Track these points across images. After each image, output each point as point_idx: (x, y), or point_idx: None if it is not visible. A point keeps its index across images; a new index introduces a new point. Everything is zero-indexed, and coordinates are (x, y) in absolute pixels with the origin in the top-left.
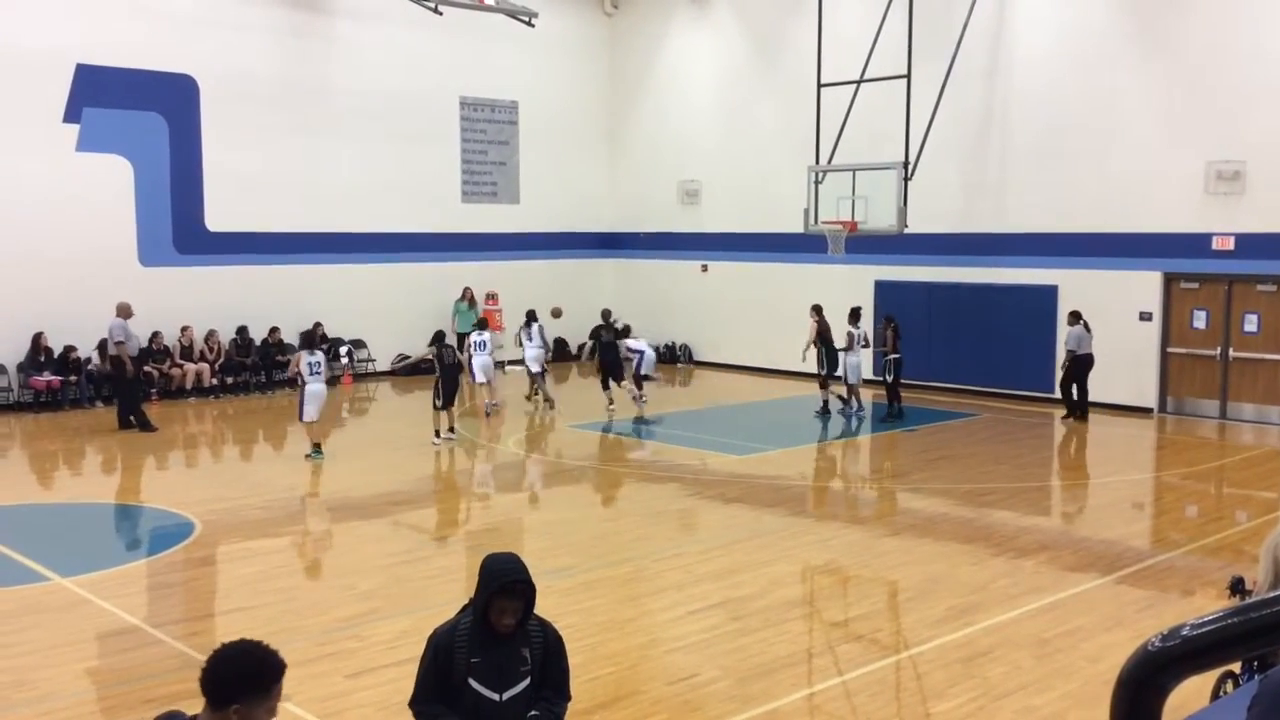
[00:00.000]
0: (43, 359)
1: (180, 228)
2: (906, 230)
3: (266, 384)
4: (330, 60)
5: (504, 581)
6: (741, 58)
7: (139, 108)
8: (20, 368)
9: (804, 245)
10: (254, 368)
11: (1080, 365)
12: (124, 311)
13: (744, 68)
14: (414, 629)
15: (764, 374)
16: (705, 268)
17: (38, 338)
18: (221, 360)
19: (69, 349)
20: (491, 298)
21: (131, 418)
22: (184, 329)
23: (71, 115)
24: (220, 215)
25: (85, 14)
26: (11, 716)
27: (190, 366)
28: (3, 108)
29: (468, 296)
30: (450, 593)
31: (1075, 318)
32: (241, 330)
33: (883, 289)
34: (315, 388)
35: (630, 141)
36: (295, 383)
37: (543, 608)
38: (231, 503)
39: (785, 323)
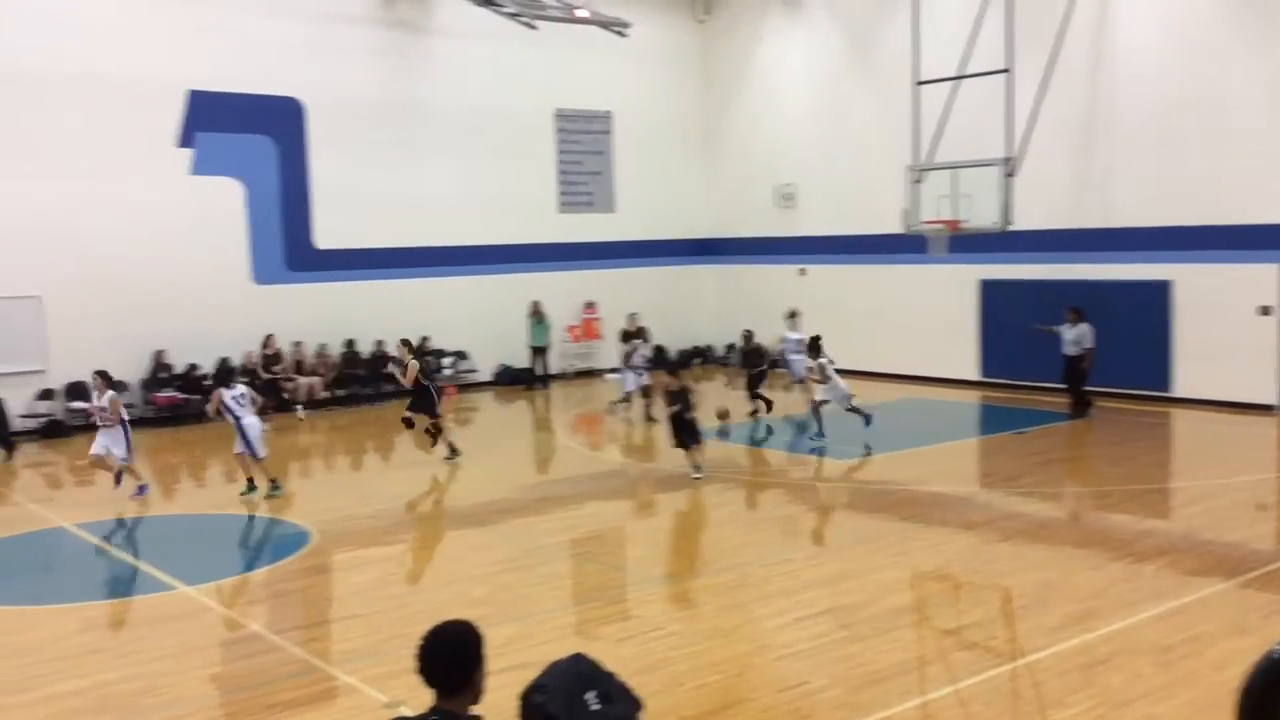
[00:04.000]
0: (164, 376)
1: (291, 246)
2: (1010, 228)
3: (375, 396)
4: (429, 79)
5: None
6: (836, 58)
7: (249, 131)
8: (143, 384)
9: (904, 246)
10: (363, 380)
11: (1076, 363)
12: None
13: (839, 68)
14: (522, 635)
15: (865, 378)
16: (803, 271)
17: (159, 355)
18: (333, 374)
19: (190, 366)
20: (590, 306)
21: None
22: (296, 344)
23: (185, 140)
24: (328, 233)
25: (196, 43)
26: (150, 716)
27: (303, 380)
28: (121, 134)
29: (536, 311)
30: (556, 599)
31: (1079, 316)
32: (350, 344)
33: (989, 289)
34: (250, 420)
35: (725, 147)
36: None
37: (646, 615)
38: (344, 512)
39: (886, 326)
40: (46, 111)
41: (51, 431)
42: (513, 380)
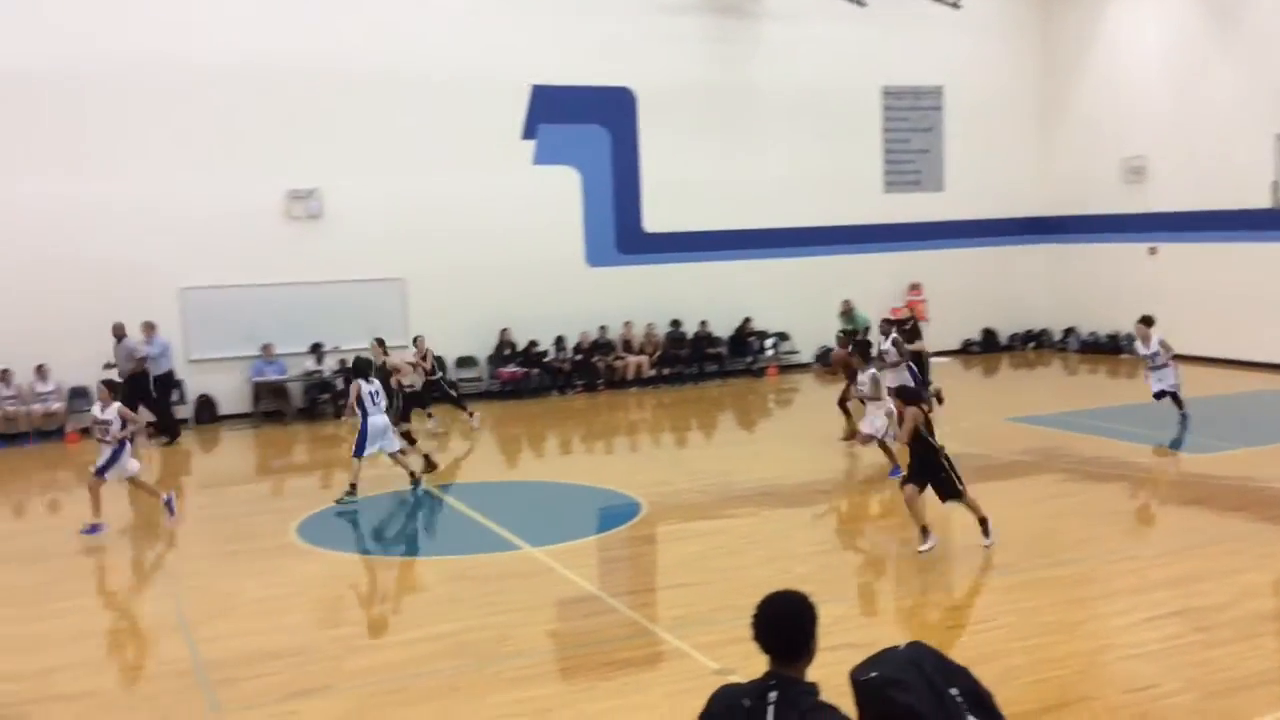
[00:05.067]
0: (508, 352)
1: (621, 230)
2: None
3: (699, 375)
4: (756, 62)
5: None
6: (1194, 20)
7: (585, 121)
8: (489, 360)
9: (1272, 222)
10: (688, 359)
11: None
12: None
13: (1197, 31)
14: (847, 615)
15: (1223, 365)
16: (1154, 250)
17: (504, 333)
18: (659, 353)
19: (531, 343)
20: (914, 288)
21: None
22: (626, 324)
23: (529, 132)
24: (656, 217)
25: (540, 39)
26: (496, 667)
27: (631, 359)
28: (474, 130)
29: (847, 310)
30: (882, 582)
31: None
32: (675, 324)
33: None
34: (376, 419)
35: (1064, 119)
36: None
37: (978, 605)
38: (671, 486)
39: (1253, 310)
40: (411, 112)
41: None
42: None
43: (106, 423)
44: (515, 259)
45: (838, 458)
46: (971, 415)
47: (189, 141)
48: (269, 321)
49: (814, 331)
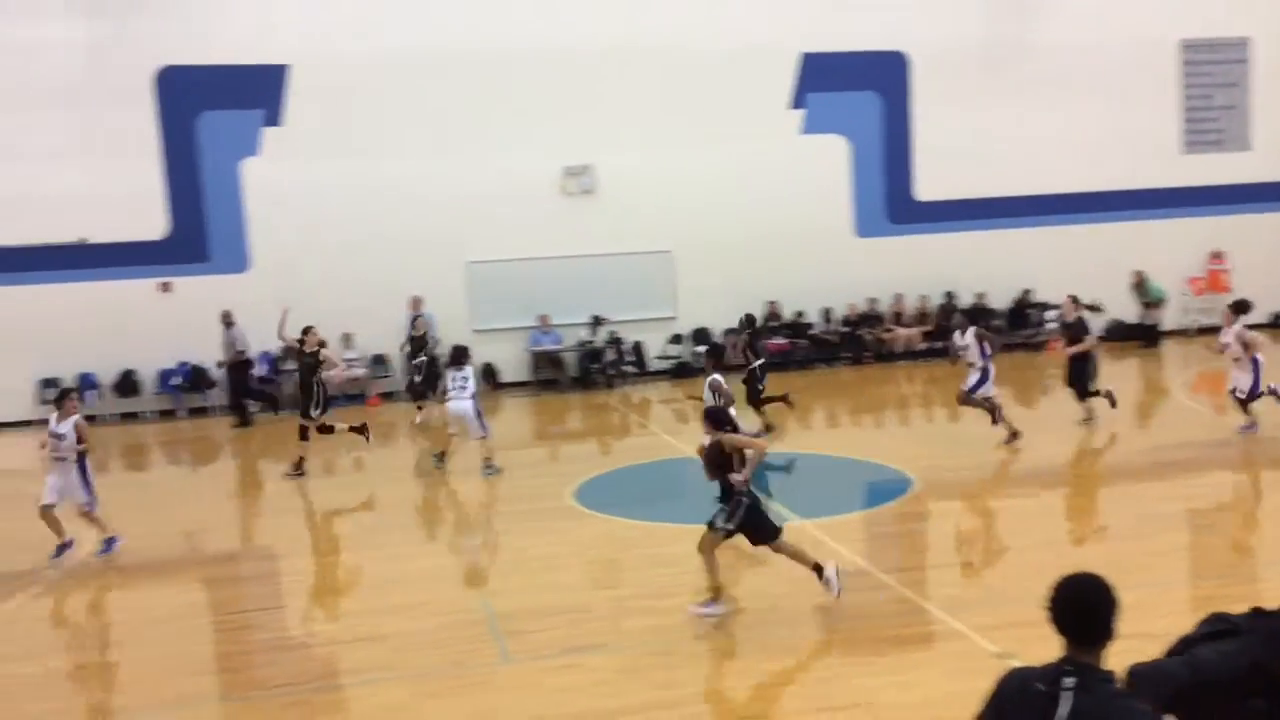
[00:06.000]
0: (774, 325)
1: (892, 199)
2: None
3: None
4: (1037, 18)
5: None
6: None
7: (855, 88)
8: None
9: None
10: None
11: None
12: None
13: None
14: (1139, 604)
15: None
16: None
17: (771, 305)
18: (932, 326)
19: (797, 314)
20: (1216, 256)
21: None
22: (897, 296)
23: (798, 102)
24: (929, 184)
25: (812, 6)
26: (767, 636)
27: (901, 331)
28: (740, 100)
29: (1139, 282)
30: (1175, 572)
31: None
32: (949, 295)
33: None
34: (461, 404)
35: None
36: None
37: None
38: (943, 462)
39: None
40: (680, 86)
41: (679, 372)
42: (1124, 336)
43: (60, 436)
44: (782, 230)
45: (1129, 438)
46: None
47: (474, 122)
48: (546, 293)
49: (1104, 304)
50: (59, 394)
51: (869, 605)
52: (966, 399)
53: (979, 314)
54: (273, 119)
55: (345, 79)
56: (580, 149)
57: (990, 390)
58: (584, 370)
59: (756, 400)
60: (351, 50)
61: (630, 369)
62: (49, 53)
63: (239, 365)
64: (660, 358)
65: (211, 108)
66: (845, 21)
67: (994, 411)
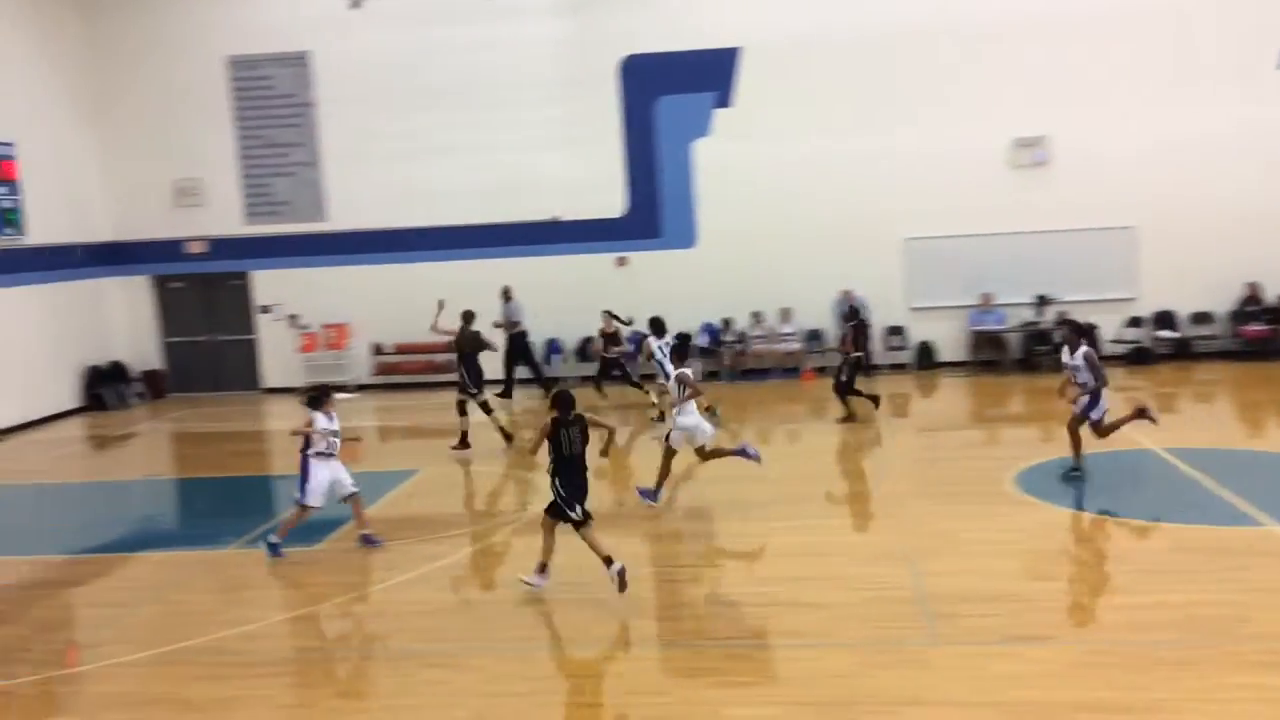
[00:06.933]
0: (1253, 309)
1: None
2: None
3: None
4: None
5: None
6: None
7: None
8: (1231, 316)
9: None
10: None
11: None
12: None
13: None
14: None
15: None
16: None
17: (1251, 287)
18: None
19: None
20: None
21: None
22: None
23: None
24: None
25: None
26: (1235, 647)
27: None
28: (1220, 57)
29: None
30: None
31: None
32: None
33: None
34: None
35: None
36: None
37: None
38: None
39: None
40: (1149, 47)
41: (1138, 358)
42: None
43: (335, 433)
44: (1262, 208)
45: None
46: None
47: (913, 97)
48: (989, 271)
49: None
50: (319, 392)
51: None
52: None
53: None
54: (723, 100)
55: (792, 59)
56: (1034, 120)
57: None
58: (1028, 352)
59: (843, 389)
60: (799, 30)
61: None
62: (530, 49)
63: (514, 337)
64: (1115, 341)
65: (669, 92)
66: None
67: None
